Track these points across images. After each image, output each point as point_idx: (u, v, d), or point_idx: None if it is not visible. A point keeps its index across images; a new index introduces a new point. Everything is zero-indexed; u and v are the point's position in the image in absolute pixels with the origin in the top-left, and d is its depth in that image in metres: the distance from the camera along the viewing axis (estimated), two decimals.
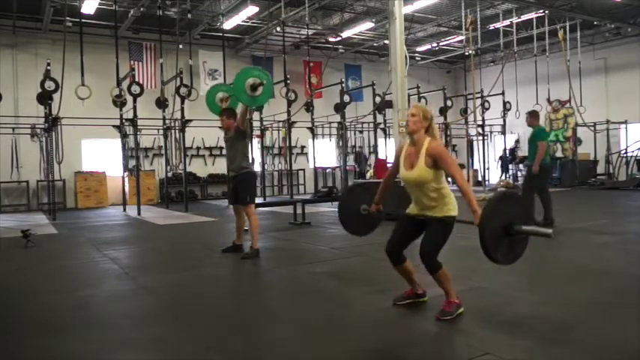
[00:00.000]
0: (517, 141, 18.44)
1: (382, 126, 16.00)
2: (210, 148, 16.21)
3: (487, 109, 16.16)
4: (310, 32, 14.27)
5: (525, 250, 3.27)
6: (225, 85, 6.06)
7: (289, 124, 13.48)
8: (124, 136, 12.13)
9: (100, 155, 14.67)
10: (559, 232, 6.96)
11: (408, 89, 10.05)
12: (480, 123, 15.59)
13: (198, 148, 16.01)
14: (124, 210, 12.21)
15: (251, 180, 5.89)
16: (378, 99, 15.02)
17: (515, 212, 3.16)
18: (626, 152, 15.79)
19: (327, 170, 18.15)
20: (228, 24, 13.91)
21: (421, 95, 15.56)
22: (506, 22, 15.22)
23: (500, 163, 18.44)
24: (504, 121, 16.70)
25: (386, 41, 14.28)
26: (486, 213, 3.05)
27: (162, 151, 13.56)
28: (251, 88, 5.51)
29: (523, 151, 18.99)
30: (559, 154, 17.36)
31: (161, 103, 12.60)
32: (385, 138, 16.05)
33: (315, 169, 14.80)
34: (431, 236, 3.32)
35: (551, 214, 7.28)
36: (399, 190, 8.63)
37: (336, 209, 4.33)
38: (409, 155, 3.41)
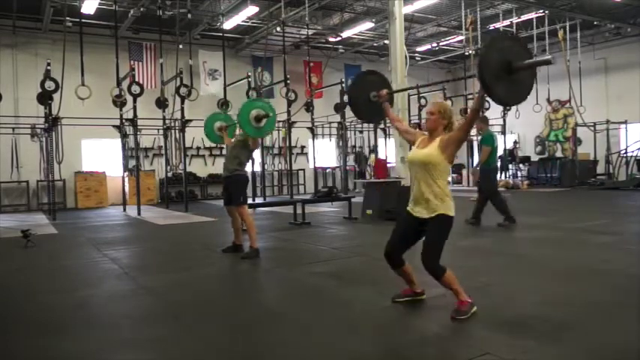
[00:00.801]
0: (515, 142, 18.47)
1: (382, 126, 16.01)
2: (210, 148, 16.19)
3: (487, 109, 16.13)
4: (310, 32, 14.27)
5: (531, 90, 3.24)
6: (223, 114, 6.25)
7: (289, 124, 13.48)
8: (124, 136, 12.13)
9: (100, 155, 14.67)
10: (559, 229, 6.99)
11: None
12: None
13: (198, 148, 16.00)
14: (124, 210, 12.21)
15: (243, 181, 5.94)
16: None
17: (513, 50, 3.09)
18: (626, 152, 15.78)
19: (327, 170, 18.15)
20: (228, 24, 13.91)
21: (421, 95, 15.56)
22: (507, 22, 15.22)
23: (499, 163, 18.42)
24: (504, 121, 16.71)
25: (386, 41, 14.28)
26: (484, 53, 3.01)
27: (162, 151, 13.56)
28: (255, 120, 5.59)
29: (523, 151, 19.02)
30: (559, 153, 17.37)
31: (161, 103, 12.60)
32: (385, 138, 16.06)
33: (315, 169, 14.80)
34: (430, 240, 3.32)
35: (509, 212, 7.44)
36: (398, 189, 8.69)
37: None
38: (423, 141, 3.48)
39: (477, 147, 7.89)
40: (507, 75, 3.04)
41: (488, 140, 7.68)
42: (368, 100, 4.10)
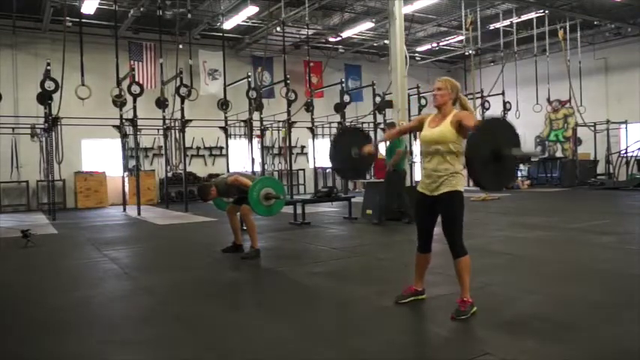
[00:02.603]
0: None
1: (382, 126, 15.99)
2: (210, 148, 16.20)
3: (487, 109, 16.16)
4: (310, 32, 14.27)
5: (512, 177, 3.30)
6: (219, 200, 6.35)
7: (289, 124, 13.47)
8: (124, 136, 12.13)
9: (100, 155, 14.67)
10: (559, 229, 6.98)
11: (408, 89, 10.06)
12: None
13: (198, 148, 16.00)
14: (124, 210, 12.22)
15: None
16: (378, 99, 15.01)
17: (504, 137, 3.11)
18: (626, 152, 15.78)
19: (327, 170, 18.14)
20: (228, 24, 13.90)
21: (421, 95, 15.57)
22: (507, 22, 15.23)
23: None
24: None
25: (386, 41, 14.28)
26: (474, 140, 3.05)
27: (162, 151, 13.56)
28: (265, 198, 5.60)
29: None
30: (559, 153, 17.37)
31: (161, 103, 12.60)
32: None
33: (315, 169, 14.80)
34: (449, 216, 3.37)
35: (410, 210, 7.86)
36: (398, 189, 8.66)
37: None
38: (434, 120, 3.47)
39: (387, 150, 8.28)
40: (494, 162, 3.04)
41: (399, 144, 8.12)
42: (350, 156, 3.99)
